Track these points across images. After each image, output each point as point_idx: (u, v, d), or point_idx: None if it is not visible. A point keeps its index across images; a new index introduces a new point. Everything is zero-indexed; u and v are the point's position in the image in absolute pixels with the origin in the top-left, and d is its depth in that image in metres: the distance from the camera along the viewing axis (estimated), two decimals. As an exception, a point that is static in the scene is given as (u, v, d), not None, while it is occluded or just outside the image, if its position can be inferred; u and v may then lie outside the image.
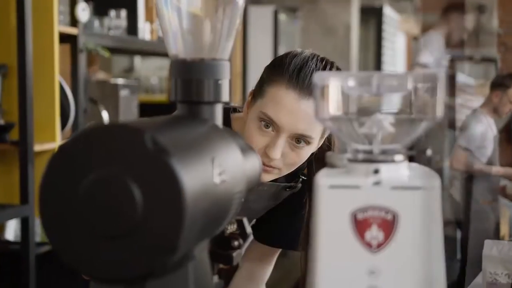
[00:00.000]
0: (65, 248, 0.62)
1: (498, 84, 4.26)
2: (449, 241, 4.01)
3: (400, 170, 0.69)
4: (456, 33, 4.34)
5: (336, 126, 0.71)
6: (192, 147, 0.66)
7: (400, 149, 0.71)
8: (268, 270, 1.49)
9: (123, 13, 2.98)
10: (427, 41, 4.30)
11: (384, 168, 0.68)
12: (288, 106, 1.20)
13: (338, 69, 1.31)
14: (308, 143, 1.24)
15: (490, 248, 1.97)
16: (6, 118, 2.40)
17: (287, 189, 1.39)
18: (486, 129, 4.15)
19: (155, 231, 0.59)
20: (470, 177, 4.20)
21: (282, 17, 5.07)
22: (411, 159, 0.73)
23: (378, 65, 7.33)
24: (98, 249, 0.61)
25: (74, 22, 2.62)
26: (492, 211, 4.13)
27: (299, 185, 1.38)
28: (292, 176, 1.38)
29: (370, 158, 0.69)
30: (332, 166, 0.78)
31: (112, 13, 2.99)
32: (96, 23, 2.91)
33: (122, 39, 2.98)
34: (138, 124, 0.63)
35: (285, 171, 1.28)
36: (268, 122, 1.22)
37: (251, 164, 0.82)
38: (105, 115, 2.88)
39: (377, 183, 0.67)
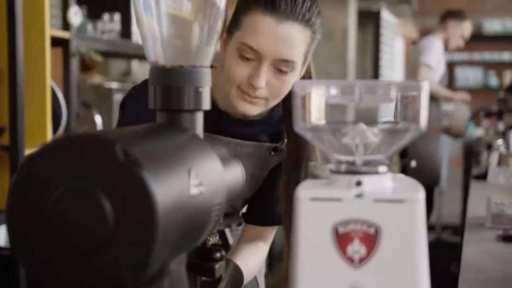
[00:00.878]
0: (33, 262, 0.59)
1: (453, 16, 4.40)
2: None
3: (383, 182, 0.67)
4: (453, 40, 4.39)
5: (317, 136, 0.69)
6: (167, 158, 0.63)
7: (384, 160, 0.68)
8: (265, 249, 1.44)
9: (117, 16, 2.96)
10: (428, 44, 4.33)
11: (366, 180, 0.66)
12: (267, 31, 1.18)
13: None
14: (291, 69, 1.21)
15: (496, 175, 1.88)
16: (-2, 123, 2.38)
17: (273, 152, 1.35)
18: (441, 54, 4.38)
19: (126, 246, 0.57)
20: None
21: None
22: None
23: (376, 69, 7.32)
24: (67, 264, 0.58)
25: (66, 25, 2.60)
26: (438, 141, 4.32)
27: (284, 147, 1.35)
28: (276, 138, 1.36)
29: (352, 170, 0.67)
30: (315, 177, 0.76)
31: (106, 16, 2.97)
32: (90, 26, 2.88)
33: (115, 42, 2.96)
34: (110, 134, 0.60)
35: (272, 102, 1.25)
36: (248, 52, 1.20)
37: (232, 174, 0.80)
38: (98, 120, 2.86)
39: (359, 196, 0.65)
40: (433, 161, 4.29)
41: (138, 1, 0.78)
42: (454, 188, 6.09)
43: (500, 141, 3.02)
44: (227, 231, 0.86)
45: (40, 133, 2.43)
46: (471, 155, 4.61)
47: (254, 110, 1.24)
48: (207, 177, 0.69)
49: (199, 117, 0.78)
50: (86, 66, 3.32)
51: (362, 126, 0.68)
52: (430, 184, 4.34)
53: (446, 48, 4.48)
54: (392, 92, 0.66)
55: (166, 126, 0.74)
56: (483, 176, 2.77)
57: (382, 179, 0.67)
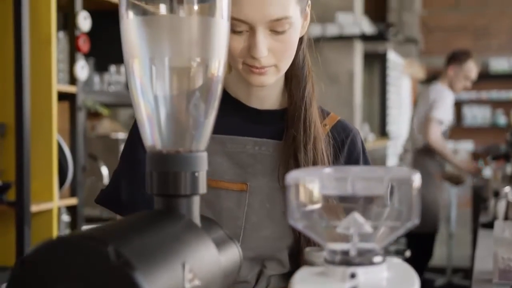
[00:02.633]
0: None
1: (453, 59, 4.40)
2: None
3: (378, 273, 0.67)
4: (458, 83, 4.40)
5: (311, 225, 0.69)
6: (161, 255, 0.64)
7: (379, 250, 0.68)
8: None
9: (123, 68, 3.00)
10: (439, 96, 4.32)
11: (361, 271, 0.66)
12: None
13: None
14: (289, 25, 1.12)
15: (501, 229, 1.83)
16: (4, 178, 2.39)
17: None
18: (451, 105, 4.37)
19: None
20: (422, 150, 4.35)
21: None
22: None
23: (383, 110, 7.34)
24: None
25: (73, 80, 2.63)
26: (441, 187, 4.32)
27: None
28: None
29: (347, 260, 0.67)
30: (310, 263, 0.76)
31: (112, 68, 3.01)
32: (96, 78, 2.92)
33: (122, 94, 2.99)
34: (103, 233, 0.61)
35: (283, 66, 1.16)
36: (237, 25, 1.11)
37: (228, 258, 0.80)
38: (105, 171, 2.87)
39: (353, 289, 0.64)
40: (433, 207, 4.27)
41: (135, 86, 0.79)
42: (465, 229, 6.05)
43: (507, 189, 3.00)
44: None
45: (46, 188, 2.45)
46: (479, 198, 4.57)
47: (267, 80, 1.16)
48: (202, 268, 0.69)
49: (196, 201, 0.79)
50: (95, 112, 3.35)
51: (356, 215, 0.68)
52: (430, 231, 4.31)
53: (453, 90, 4.50)
54: (384, 183, 0.67)
55: (161, 214, 0.74)
56: (491, 225, 2.75)
57: (377, 270, 0.67)
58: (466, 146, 9.90)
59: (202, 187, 0.79)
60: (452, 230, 5.65)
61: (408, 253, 4.08)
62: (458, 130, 9.98)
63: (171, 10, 0.80)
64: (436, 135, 4.25)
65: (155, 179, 0.77)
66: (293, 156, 1.18)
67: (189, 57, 0.78)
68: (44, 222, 2.43)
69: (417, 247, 4.25)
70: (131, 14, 0.77)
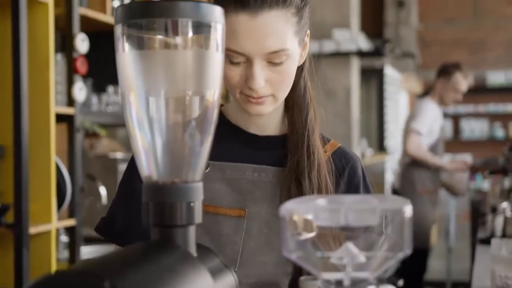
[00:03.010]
0: None
1: (441, 72, 4.41)
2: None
3: (371, 303, 0.68)
4: (447, 97, 4.41)
5: (304, 256, 0.70)
6: (157, 287, 0.64)
7: (372, 279, 0.69)
8: None
9: (121, 88, 3.01)
10: (421, 108, 4.35)
11: (354, 301, 0.67)
12: (244, 29, 1.09)
13: None
14: (286, 57, 1.12)
15: (498, 247, 1.82)
16: (3, 200, 2.40)
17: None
18: (435, 117, 4.35)
19: None
20: (409, 165, 4.31)
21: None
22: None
23: (380, 125, 7.36)
24: None
25: (71, 101, 2.64)
26: (431, 202, 4.24)
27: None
28: None
29: (340, 291, 0.68)
30: (306, 293, 0.77)
31: (110, 89, 3.02)
32: (94, 99, 2.93)
33: (120, 114, 3.00)
34: (99, 267, 0.62)
35: (281, 95, 1.16)
36: (235, 57, 1.11)
37: (224, 286, 0.81)
38: (103, 191, 2.88)
39: (347, 320, 0.65)
40: (424, 224, 4.25)
41: (131, 118, 0.80)
42: (464, 243, 6.04)
43: (505, 204, 3.00)
44: None
45: (44, 210, 2.45)
46: (477, 213, 4.58)
47: (265, 109, 1.16)
48: (197, 299, 0.70)
49: (192, 231, 0.80)
50: (94, 132, 3.36)
51: (350, 246, 0.69)
52: (421, 247, 4.30)
53: (443, 103, 4.50)
54: (377, 214, 0.68)
55: (157, 245, 0.75)
56: (488, 241, 2.75)
57: (370, 299, 0.68)
58: (465, 159, 9.92)
59: (198, 217, 0.80)
60: (451, 244, 5.65)
61: (401, 282, 4.06)
62: (456, 143, 10.00)
63: (166, 42, 0.82)
64: (413, 145, 4.25)
65: (151, 209, 0.79)
66: (296, 182, 1.18)
67: (185, 89, 0.79)
68: (42, 244, 2.44)
69: (410, 264, 4.24)
70: (127, 47, 0.78)
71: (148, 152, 0.80)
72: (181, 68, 0.78)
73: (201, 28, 0.78)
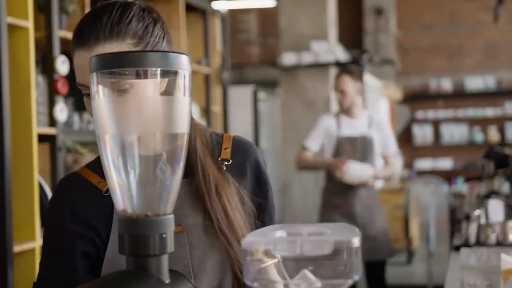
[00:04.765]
0: None
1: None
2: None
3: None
4: (341, 103, 4.03)
5: (265, 284, 0.78)
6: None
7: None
8: None
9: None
10: (316, 123, 4.10)
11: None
12: (83, 63, 1.15)
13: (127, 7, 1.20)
14: (130, 85, 1.13)
15: (467, 256, 1.89)
16: (-14, 219, 2.45)
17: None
18: (323, 130, 4.06)
19: None
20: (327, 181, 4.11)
21: (262, 95, 5.19)
22: None
23: (361, 132, 7.44)
24: None
25: (52, 122, 2.70)
26: (339, 217, 3.97)
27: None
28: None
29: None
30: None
31: (91, 107, 3.08)
32: (76, 118, 2.99)
33: (101, 132, 3.06)
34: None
35: None
36: (84, 89, 1.17)
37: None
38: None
39: None
40: (382, 233, 4.17)
41: (106, 157, 0.88)
42: (445, 246, 6.14)
43: (477, 212, 3.08)
44: None
45: (28, 229, 2.51)
46: (455, 217, 4.67)
47: None
48: (169, 324, 0.77)
49: (165, 260, 0.87)
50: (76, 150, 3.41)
51: (307, 272, 0.77)
52: (388, 256, 4.29)
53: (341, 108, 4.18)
54: (329, 245, 0.75)
55: (132, 275, 0.82)
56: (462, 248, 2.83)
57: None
58: (445, 164, 10.07)
59: (170, 246, 0.87)
60: (431, 249, 5.75)
61: None
62: (436, 148, 10.14)
63: (137, 89, 0.90)
64: (297, 161, 4.09)
65: (127, 241, 0.86)
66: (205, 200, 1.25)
67: (155, 130, 0.87)
68: (26, 262, 2.49)
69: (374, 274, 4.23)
70: (101, 94, 0.86)
71: (123, 188, 0.87)
72: (151, 112, 0.86)
73: (169, 75, 0.86)
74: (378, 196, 4.18)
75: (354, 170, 3.85)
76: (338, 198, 4.02)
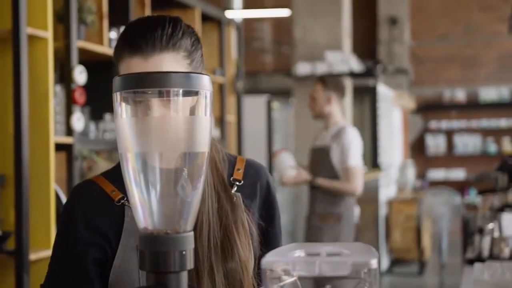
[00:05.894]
0: None
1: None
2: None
3: None
4: (311, 109, 4.03)
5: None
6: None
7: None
8: None
9: (118, 116, 3.10)
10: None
11: None
12: (136, 70, 1.18)
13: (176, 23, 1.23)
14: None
15: (481, 272, 1.90)
16: (4, 227, 2.48)
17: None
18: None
19: None
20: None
21: (275, 105, 5.20)
22: None
23: (374, 142, 7.45)
24: None
25: (69, 131, 2.73)
26: (327, 230, 3.85)
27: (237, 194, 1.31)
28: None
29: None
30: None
31: (108, 116, 3.11)
32: (92, 127, 3.02)
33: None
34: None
35: None
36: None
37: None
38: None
39: None
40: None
41: (128, 175, 0.90)
42: (457, 258, 6.11)
43: (491, 225, 3.07)
44: None
45: (44, 237, 2.53)
46: (468, 229, 4.65)
47: None
48: None
49: (184, 276, 0.88)
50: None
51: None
52: None
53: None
54: (348, 267, 0.77)
55: (153, 290, 0.84)
56: (475, 261, 2.82)
57: None
58: (458, 174, 10.04)
59: (190, 263, 0.88)
60: (443, 261, 5.73)
61: None
62: (449, 158, 10.11)
63: (159, 109, 0.91)
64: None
65: (147, 258, 0.88)
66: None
67: (176, 149, 0.88)
68: (43, 270, 2.50)
69: None
70: (124, 113, 0.87)
71: (144, 206, 0.89)
72: (173, 132, 0.88)
73: (191, 95, 0.88)
74: (340, 216, 3.88)
75: (279, 160, 3.83)
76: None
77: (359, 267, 0.76)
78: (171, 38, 1.21)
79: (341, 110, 4.00)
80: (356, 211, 4.02)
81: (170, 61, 1.20)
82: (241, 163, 1.34)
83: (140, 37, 1.20)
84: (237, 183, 1.31)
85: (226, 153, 1.35)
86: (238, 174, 1.32)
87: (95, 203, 1.27)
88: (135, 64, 1.20)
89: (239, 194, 1.29)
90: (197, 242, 1.22)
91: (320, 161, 3.91)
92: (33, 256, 2.46)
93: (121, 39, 1.23)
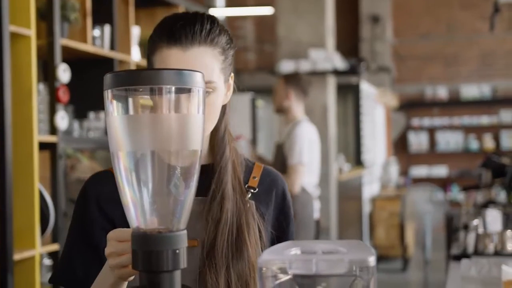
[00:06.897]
0: None
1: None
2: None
3: None
4: (273, 102, 4.10)
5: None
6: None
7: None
8: None
9: (102, 114, 3.07)
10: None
11: None
12: (175, 61, 1.19)
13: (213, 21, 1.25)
14: (212, 89, 1.21)
15: (468, 268, 1.91)
16: (-13, 227, 2.45)
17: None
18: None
19: None
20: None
21: (260, 103, 5.19)
22: None
23: (357, 140, 7.47)
24: None
25: (53, 129, 2.70)
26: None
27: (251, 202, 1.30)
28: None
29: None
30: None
31: (92, 115, 3.09)
32: (76, 125, 2.99)
33: (101, 140, 3.07)
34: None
35: (208, 126, 1.22)
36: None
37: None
38: (85, 215, 2.92)
39: None
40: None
41: (120, 174, 0.88)
42: (441, 254, 6.16)
43: (476, 221, 3.09)
44: None
45: (28, 236, 2.50)
46: (452, 226, 4.67)
47: None
48: None
49: (177, 275, 0.87)
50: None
51: (319, 290, 0.78)
52: None
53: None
54: (344, 264, 0.76)
55: (147, 289, 0.83)
56: (461, 257, 2.84)
57: None
58: (440, 171, 10.09)
59: (183, 262, 0.87)
60: (427, 257, 5.76)
61: None
62: (432, 155, 10.15)
63: (151, 107, 0.90)
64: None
65: (140, 257, 0.86)
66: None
67: (169, 148, 0.87)
68: (27, 269, 2.49)
69: None
70: (115, 111, 0.86)
71: (136, 204, 0.88)
72: (165, 129, 0.86)
73: (183, 92, 0.87)
74: (294, 213, 3.84)
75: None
76: None
77: (356, 265, 0.76)
78: (209, 33, 1.22)
79: (301, 107, 4.02)
80: (316, 206, 3.97)
81: (207, 55, 1.22)
82: (258, 171, 1.35)
83: (180, 29, 1.20)
84: (252, 190, 1.31)
85: (245, 159, 1.35)
86: (254, 181, 1.32)
87: (109, 193, 1.24)
88: (173, 55, 1.20)
89: (252, 202, 1.29)
90: (218, 238, 1.22)
91: (278, 156, 3.94)
92: (17, 256, 2.44)
93: (158, 30, 1.23)
